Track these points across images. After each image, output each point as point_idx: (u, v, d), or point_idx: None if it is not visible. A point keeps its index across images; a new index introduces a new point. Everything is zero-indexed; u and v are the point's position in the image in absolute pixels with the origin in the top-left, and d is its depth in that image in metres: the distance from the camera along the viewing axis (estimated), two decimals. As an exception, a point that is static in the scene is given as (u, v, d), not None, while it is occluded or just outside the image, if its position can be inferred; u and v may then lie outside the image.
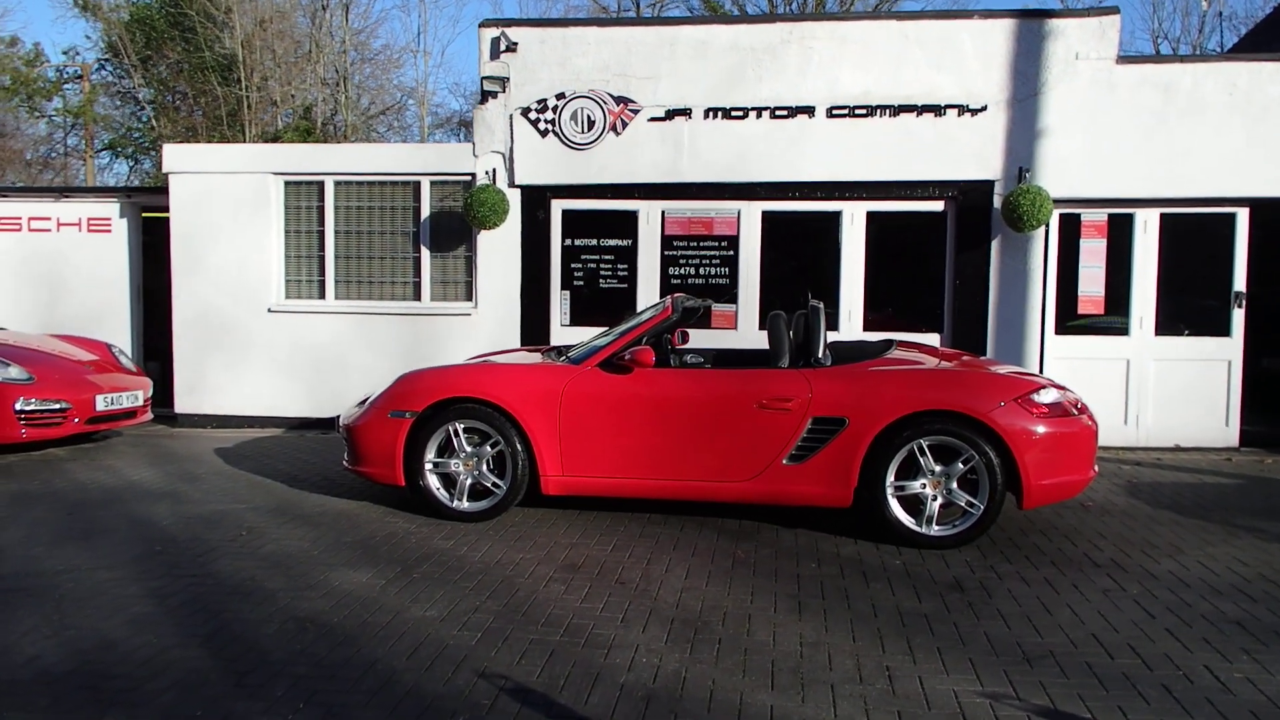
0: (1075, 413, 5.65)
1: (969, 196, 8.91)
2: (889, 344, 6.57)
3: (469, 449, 5.98)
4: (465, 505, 6.00)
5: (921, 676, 3.77)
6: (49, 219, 10.49)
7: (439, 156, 9.62)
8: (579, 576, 4.96)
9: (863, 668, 3.86)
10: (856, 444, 5.57)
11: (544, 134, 9.26)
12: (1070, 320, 9.04)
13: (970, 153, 8.82)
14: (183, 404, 9.86)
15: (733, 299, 9.29)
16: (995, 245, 8.91)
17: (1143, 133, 8.66)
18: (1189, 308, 8.97)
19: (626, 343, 6.00)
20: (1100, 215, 8.94)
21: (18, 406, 7.63)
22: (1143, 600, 4.69)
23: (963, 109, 8.80)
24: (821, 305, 6.28)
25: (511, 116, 9.29)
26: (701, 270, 9.34)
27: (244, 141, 26.74)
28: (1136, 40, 31.15)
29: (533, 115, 9.25)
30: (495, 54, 9.34)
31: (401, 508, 6.31)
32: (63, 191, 10.75)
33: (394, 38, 46.71)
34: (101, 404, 8.18)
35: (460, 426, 5.96)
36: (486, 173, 9.33)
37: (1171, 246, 8.91)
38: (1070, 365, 8.99)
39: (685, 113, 9.11)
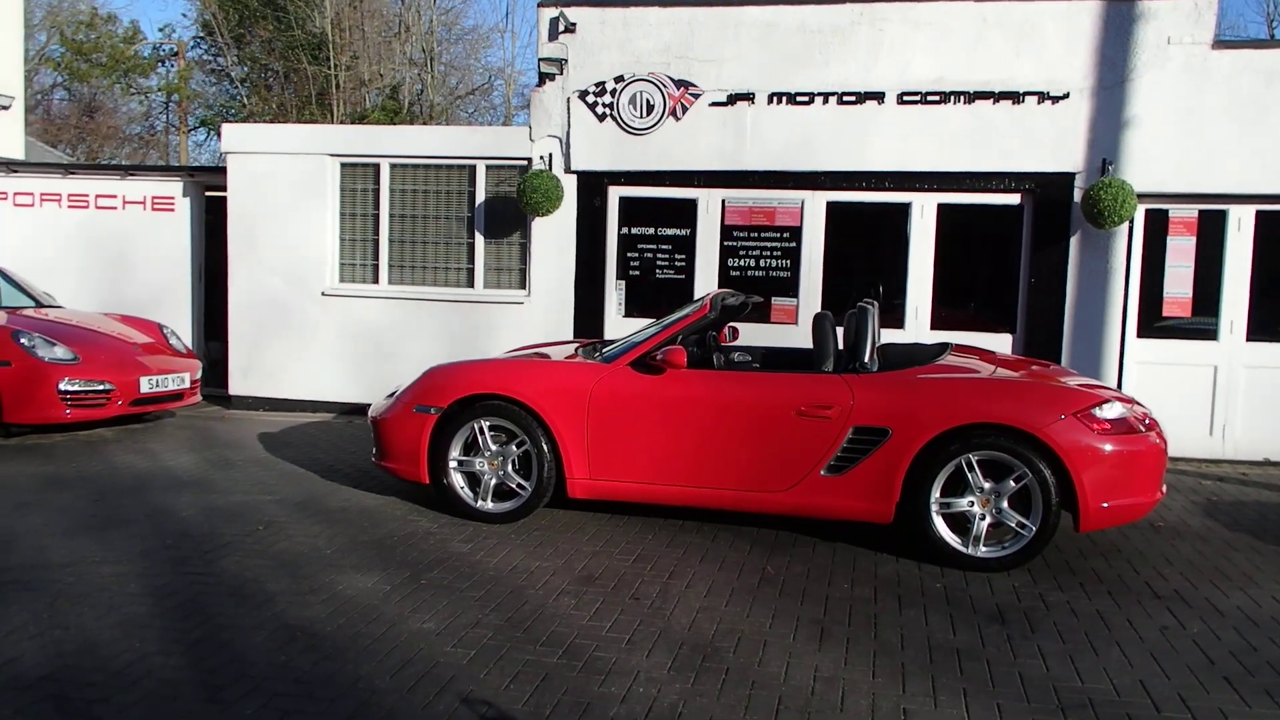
0: (1142, 429, 5.20)
1: (1047, 190, 8.36)
2: (944, 348, 6.16)
3: (494, 448, 5.80)
4: (490, 506, 5.83)
5: (940, 724, 3.45)
6: (115, 197, 10.63)
7: (495, 140, 9.46)
8: (592, 590, 4.73)
9: (877, 709, 3.55)
10: (900, 457, 5.21)
11: (601, 118, 9.00)
12: (1154, 323, 8.44)
13: (1049, 143, 8.27)
14: (237, 386, 9.94)
15: (794, 293, 8.92)
16: (1074, 242, 8.35)
17: (1239, 123, 8.00)
18: (1285, 312, 8.30)
19: (660, 341, 5.73)
20: (1190, 211, 8.30)
21: (62, 387, 7.69)
22: (1203, 641, 4.26)
23: (1043, 96, 8.25)
24: (874, 305, 5.92)
25: (569, 100, 9.06)
26: (762, 262, 9.00)
27: (332, 121, 27.16)
28: (1249, 25, 29.29)
29: (590, 99, 9.01)
30: (554, 35, 9.11)
31: (428, 506, 6.17)
32: (128, 169, 10.90)
33: (483, 18, 46.99)
34: (146, 386, 8.22)
35: (485, 424, 5.78)
36: (542, 157, 9.12)
37: (1267, 246, 8.24)
38: (1152, 370, 8.41)
39: (748, 97, 8.75)
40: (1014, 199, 8.51)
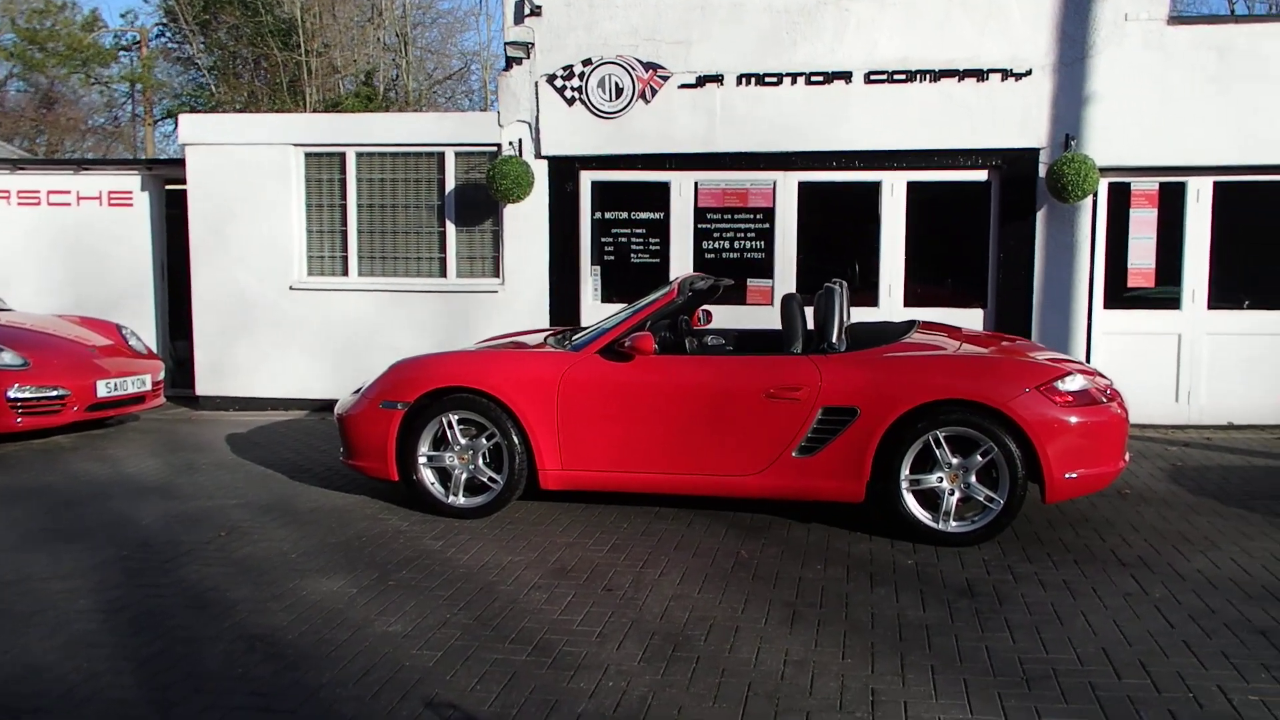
0: (1104, 400, 5.26)
1: (1013, 165, 8.41)
2: (911, 326, 6.20)
3: (464, 441, 5.78)
4: (461, 501, 5.81)
5: (907, 702, 3.48)
6: (69, 192, 10.35)
7: (463, 126, 9.38)
8: (565, 583, 4.74)
9: (846, 691, 3.58)
10: (869, 435, 5.25)
11: (571, 102, 8.95)
12: (1120, 294, 8.51)
13: (1014, 120, 8.31)
14: (204, 386, 9.82)
15: (769, 273, 8.93)
16: (1041, 216, 8.41)
17: (1196, 97, 8.08)
18: (1243, 280, 8.41)
19: (628, 328, 5.72)
20: (1151, 184, 8.37)
21: (11, 394, 7.47)
22: (1164, 606, 4.33)
23: (1007, 74, 8.28)
24: (841, 285, 5.95)
25: (537, 84, 9.00)
26: (736, 244, 9.00)
27: (304, 109, 26.82)
28: (1212, 1, 29.37)
29: (559, 82, 8.95)
30: (519, 18, 9.03)
31: (399, 504, 6.12)
32: (82, 163, 10.67)
33: (458, 1, 46.52)
34: (103, 390, 8.04)
35: (454, 418, 5.75)
36: (511, 143, 9.07)
37: (1225, 216, 8.36)
38: (1120, 340, 8.50)
39: (717, 79, 8.73)
40: (981, 175, 8.55)
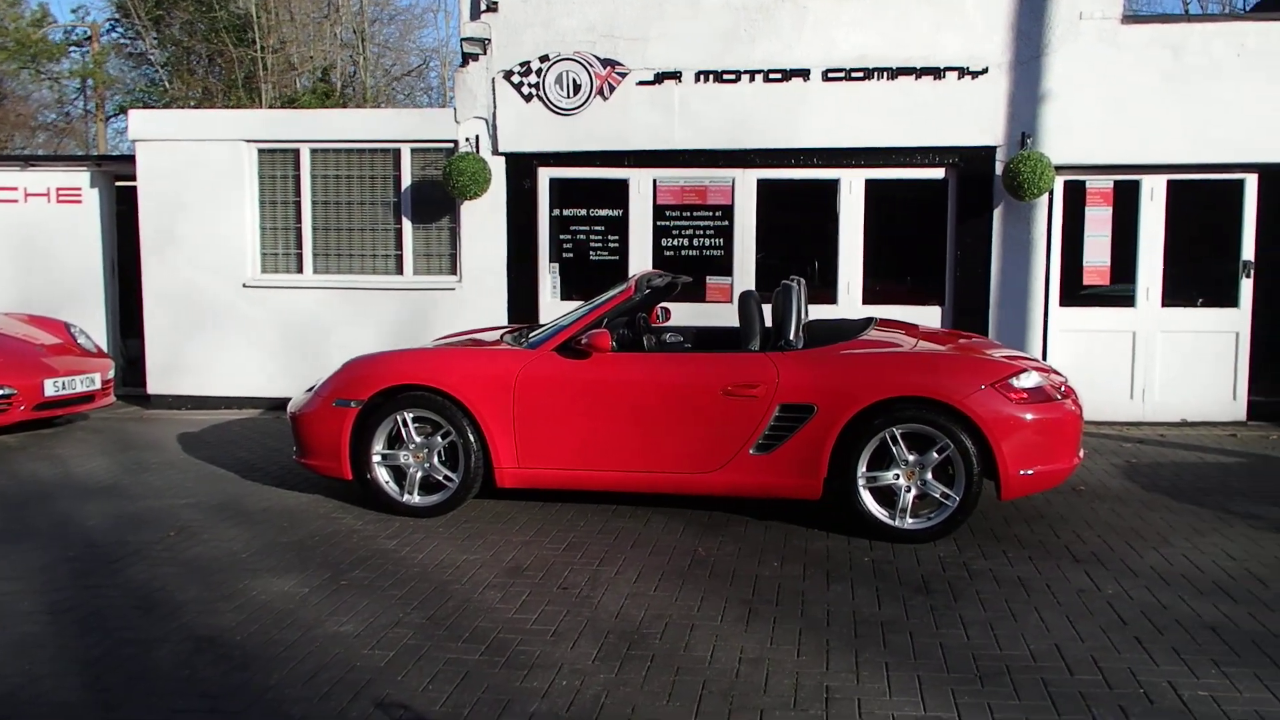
0: (1058, 397, 5.29)
1: (970, 163, 8.46)
2: (868, 323, 6.21)
3: (419, 440, 5.70)
4: (416, 500, 5.73)
5: (861, 699, 3.47)
6: (15, 189, 10.14)
7: (420, 122, 9.27)
8: (520, 582, 4.68)
9: (800, 688, 3.56)
10: (826, 432, 5.24)
11: (528, 98, 8.88)
12: (1076, 291, 8.59)
13: (971, 118, 8.35)
14: (156, 385, 9.64)
15: (728, 271, 8.91)
16: (998, 214, 8.47)
17: (1149, 96, 8.17)
18: (1197, 278, 8.53)
19: (585, 325, 5.67)
20: (1106, 182, 8.47)
21: (-44, 394, 7.36)
22: (1117, 602, 4.35)
23: (963, 72, 8.32)
24: (799, 282, 5.94)
25: (494, 80, 8.91)
26: (695, 241, 8.97)
27: (260, 105, 26.43)
28: (1166, 1, 29.85)
29: (516, 79, 8.87)
30: (476, 14, 8.96)
31: (354, 503, 6.03)
32: (29, 160, 10.45)
33: (417, -3, 46.06)
34: (51, 389, 7.88)
35: (409, 416, 5.67)
36: (468, 139, 8.98)
37: (1179, 214, 8.46)
38: (1075, 338, 8.58)
39: (675, 76, 8.69)
40: (939, 173, 8.59)
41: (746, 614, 4.28)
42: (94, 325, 10.13)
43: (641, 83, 8.70)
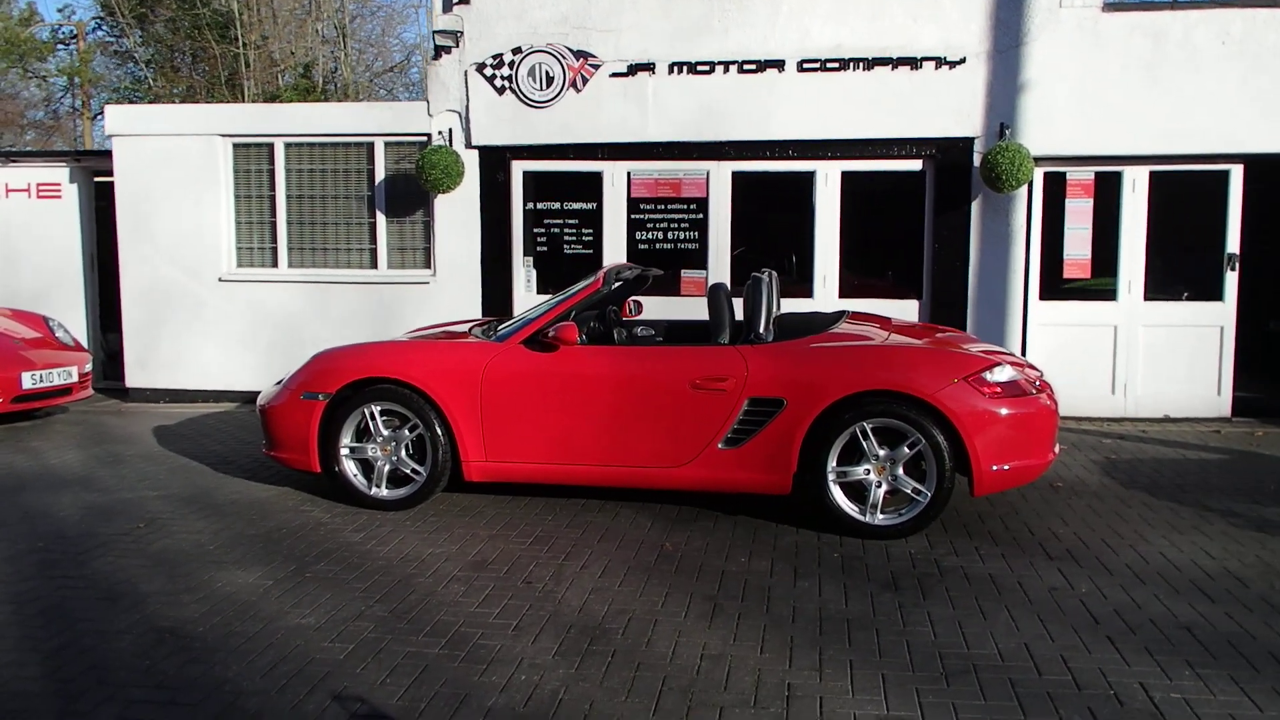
0: (1033, 392, 5.22)
1: (948, 155, 8.39)
2: (840, 316, 6.15)
3: (386, 433, 5.62)
4: (384, 493, 5.66)
5: (823, 697, 3.41)
6: (-4, 185, 10.14)
7: (393, 116, 9.19)
8: (484, 575, 4.62)
9: (761, 686, 3.50)
10: (795, 427, 5.17)
11: (501, 91, 8.79)
12: (1056, 285, 8.54)
13: (949, 109, 8.28)
14: (134, 378, 9.55)
15: (703, 264, 8.84)
16: (976, 206, 8.40)
17: (1131, 86, 8.09)
18: (1180, 271, 8.46)
19: (552, 318, 5.60)
20: (1087, 174, 8.41)
21: (-64, 387, 7.31)
22: (1090, 601, 4.29)
23: (940, 62, 8.25)
24: (769, 275, 5.88)
25: (466, 73, 8.82)
26: (670, 234, 8.90)
27: (244, 101, 26.25)
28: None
29: (489, 71, 8.78)
30: (448, 6, 8.87)
31: (323, 496, 5.98)
32: (9, 155, 10.41)
33: (397, -8, 45.79)
34: (29, 382, 7.84)
35: (376, 409, 5.60)
36: (441, 133, 8.89)
37: (1162, 206, 8.38)
38: (1056, 332, 8.53)
39: (649, 68, 8.61)
40: (916, 165, 8.53)
41: (711, 610, 4.21)
42: (74, 319, 10.10)
43: (614, 74, 8.61)
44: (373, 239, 9.26)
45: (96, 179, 10.27)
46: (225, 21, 28.25)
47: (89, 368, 8.60)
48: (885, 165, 8.55)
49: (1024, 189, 8.26)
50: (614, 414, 5.39)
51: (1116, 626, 4.01)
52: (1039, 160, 8.26)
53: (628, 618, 4.12)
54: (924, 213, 8.56)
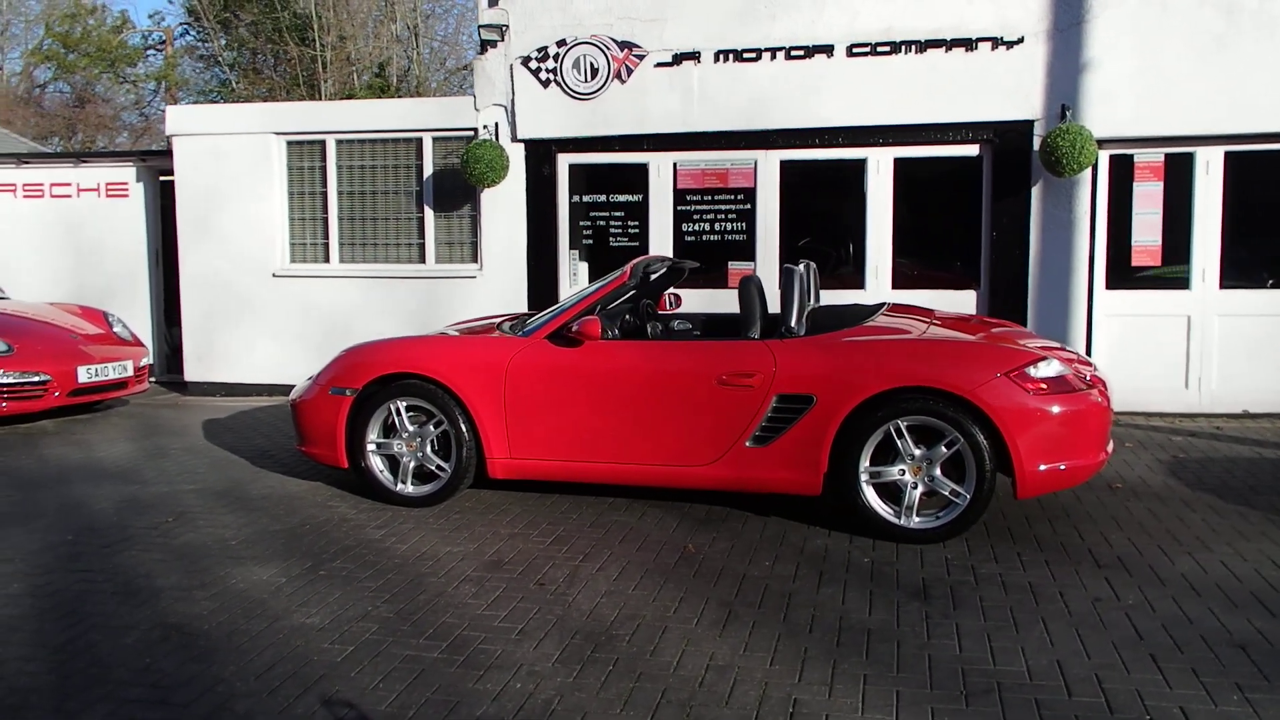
0: (1082, 388, 4.91)
1: (1006, 139, 8.02)
2: (878, 308, 5.89)
3: (412, 429, 5.57)
4: (409, 489, 5.61)
5: (829, 715, 3.21)
6: (69, 185, 10.46)
7: (440, 111, 9.17)
8: (497, 576, 4.51)
9: (766, 700, 3.32)
10: (825, 424, 4.95)
11: (546, 84, 8.69)
12: (1123, 273, 8.10)
13: (1006, 90, 7.92)
14: (192, 372, 9.75)
15: (750, 255, 8.63)
16: (1036, 192, 8.02)
17: (1202, 61, 7.62)
18: (1259, 257, 7.95)
19: (578, 312, 5.47)
20: (1156, 156, 7.95)
21: (-7, 379, 7.51)
22: (1137, 614, 3.99)
23: (997, 42, 7.88)
24: (807, 266, 5.68)
25: (512, 66, 8.75)
26: (717, 226, 8.70)
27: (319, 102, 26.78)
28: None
29: (533, 64, 8.69)
30: (493, 1, 8.79)
31: (352, 491, 5.95)
32: (81, 156, 10.74)
33: (470, -8, 46.25)
34: (84, 375, 8.02)
35: (402, 404, 5.55)
36: (486, 126, 8.84)
37: (1238, 188, 7.89)
38: (1123, 323, 8.10)
39: (694, 56, 8.42)
40: (972, 150, 8.17)
41: (725, 616, 4.04)
42: (140, 315, 10.39)
43: (659, 64, 8.44)
44: (421, 234, 9.26)
45: (162, 178, 10.50)
46: (304, 24, 28.88)
47: (145, 362, 8.79)
48: (940, 151, 8.21)
49: (1087, 173, 7.85)
50: (638, 410, 5.24)
51: (1162, 643, 3.71)
52: (1103, 143, 7.84)
53: (637, 624, 3.97)
54: (981, 200, 8.21)
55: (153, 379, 10.42)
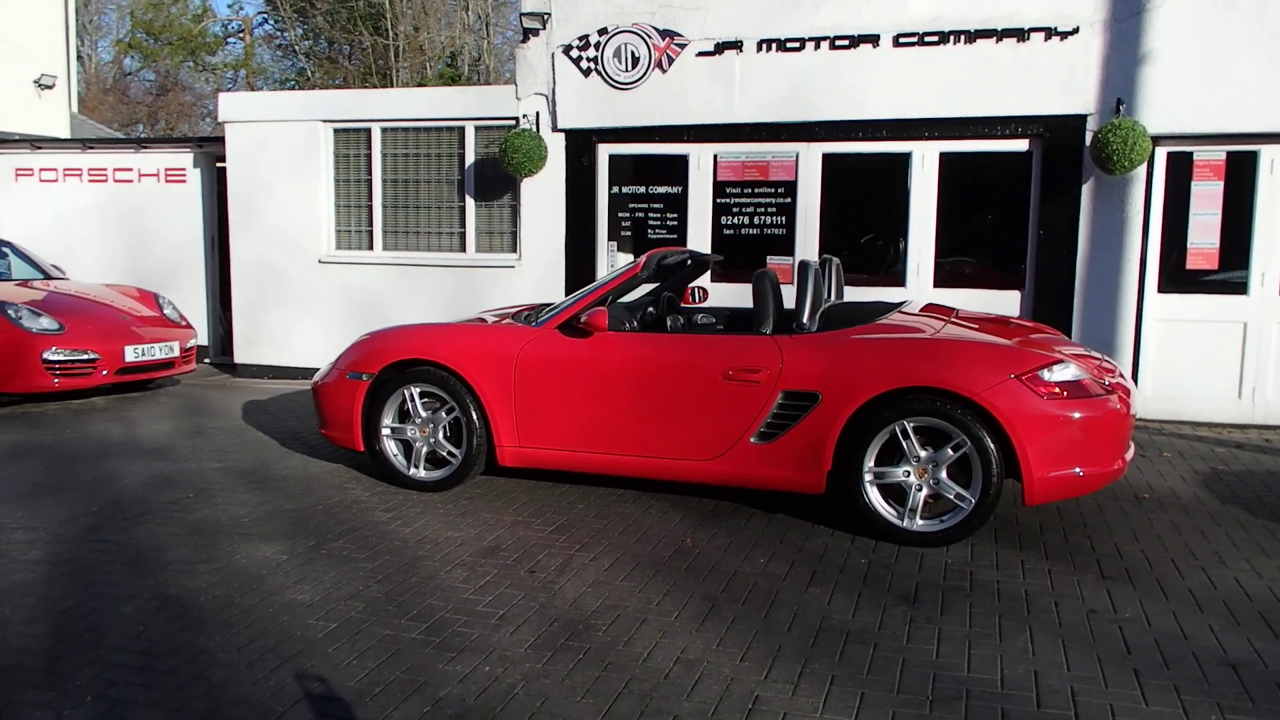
0: (1100, 392, 4.74)
1: (1057, 134, 7.77)
2: (895, 306, 5.78)
3: (425, 414, 5.65)
4: (422, 474, 5.69)
5: (787, 713, 3.18)
6: (131, 170, 10.82)
7: (481, 100, 9.25)
8: (491, 562, 4.56)
9: (727, 696, 3.29)
10: (830, 423, 4.88)
11: (587, 73, 8.70)
12: (1177, 276, 7.79)
13: (1059, 83, 7.66)
14: (241, 354, 10.02)
15: (789, 250, 8.52)
16: (1087, 190, 7.76)
17: (1269, 55, 7.26)
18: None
19: (588, 303, 5.48)
20: (1217, 153, 7.62)
21: (46, 356, 7.80)
22: (1130, 628, 3.85)
23: (1050, 32, 7.63)
24: (829, 261, 5.62)
25: (553, 55, 8.78)
26: (756, 219, 8.62)
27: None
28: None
29: (574, 53, 8.71)
30: (537, -12, 8.83)
31: (370, 474, 6.07)
32: (142, 143, 11.07)
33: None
34: (131, 355, 8.30)
35: (415, 391, 5.63)
36: (527, 116, 8.88)
37: (1304, 190, 7.51)
38: (1175, 328, 7.79)
39: (736, 45, 8.34)
40: (1022, 145, 7.94)
41: (706, 611, 4.01)
42: (196, 298, 10.73)
43: (701, 53, 8.38)
44: (462, 223, 9.37)
45: (218, 164, 10.79)
46: (378, 13, 29.42)
47: (192, 344, 9.06)
48: (987, 146, 8.00)
49: (1141, 171, 7.57)
50: (644, 403, 5.23)
51: (1150, 659, 3.58)
52: (1161, 139, 7.55)
53: (617, 614, 3.98)
54: (1029, 197, 7.97)
55: (207, 360, 10.77)
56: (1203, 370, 7.74)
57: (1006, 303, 8.01)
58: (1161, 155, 7.72)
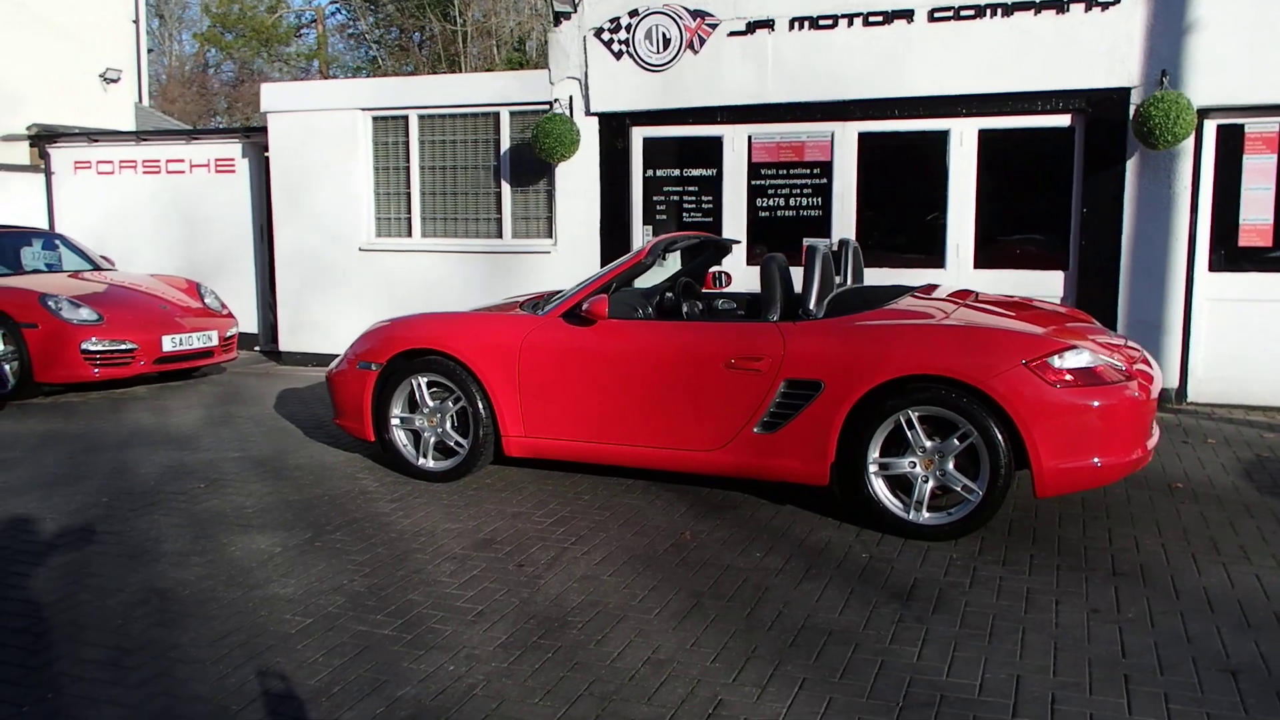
0: (1117, 379, 4.50)
1: (1099, 108, 7.42)
2: (905, 291, 5.57)
3: (432, 404, 5.65)
4: (430, 464, 5.70)
5: (748, 718, 3.08)
6: (183, 161, 11.06)
7: (517, 85, 9.21)
8: (481, 555, 4.53)
9: (691, 699, 3.21)
10: (833, 412, 4.73)
11: (618, 56, 8.60)
12: (1229, 254, 7.39)
13: (1100, 56, 7.30)
14: (285, 342, 10.21)
15: (825, 232, 8.32)
16: (1131, 166, 7.40)
17: (1324, 17, 6.81)
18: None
19: (591, 291, 5.40)
20: (1270, 125, 7.19)
21: (85, 346, 7.99)
22: (1132, 629, 3.65)
23: (1091, 3, 7.28)
24: (844, 244, 5.44)
25: (585, 38, 8.69)
26: (792, 201, 8.43)
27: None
28: None
29: (606, 35, 8.61)
30: (569, -28, 8.75)
31: (382, 464, 6.10)
32: (192, 134, 11.33)
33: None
34: (169, 345, 8.47)
35: (423, 380, 5.63)
36: (560, 100, 8.82)
37: (1364, 161, 7.03)
38: (1227, 308, 7.40)
39: (768, 25, 8.14)
40: (1063, 120, 7.60)
41: (689, 608, 3.93)
42: (245, 287, 10.96)
43: (733, 33, 8.20)
44: (498, 208, 9.36)
45: (266, 154, 10.95)
46: (446, 1, 29.66)
47: (233, 332, 9.22)
48: (1028, 122, 7.68)
49: (1189, 145, 7.19)
50: (646, 392, 5.14)
51: (1144, 664, 3.38)
52: (1210, 111, 7.15)
53: (596, 611, 3.91)
54: (1072, 174, 7.64)
55: (256, 348, 10.98)
56: (1257, 351, 7.34)
57: (1050, 284, 7.70)
58: (1211, 128, 7.31)
